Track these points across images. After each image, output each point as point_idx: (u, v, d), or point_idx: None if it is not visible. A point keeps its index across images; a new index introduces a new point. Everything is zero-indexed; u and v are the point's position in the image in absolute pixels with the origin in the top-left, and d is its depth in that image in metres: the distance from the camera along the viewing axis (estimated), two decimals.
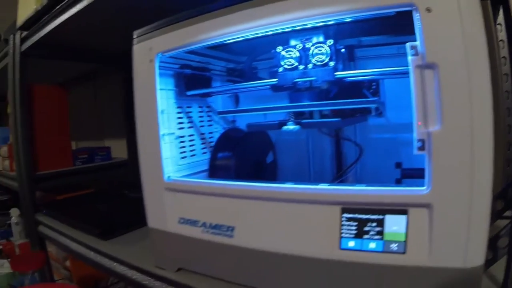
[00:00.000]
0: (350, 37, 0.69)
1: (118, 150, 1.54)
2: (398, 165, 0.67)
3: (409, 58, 0.43)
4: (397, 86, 0.68)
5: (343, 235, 0.48)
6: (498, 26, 0.77)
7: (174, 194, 0.64)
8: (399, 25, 0.60)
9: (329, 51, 0.59)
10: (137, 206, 1.02)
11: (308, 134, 0.75)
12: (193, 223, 0.61)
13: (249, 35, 0.55)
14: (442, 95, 0.40)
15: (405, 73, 0.54)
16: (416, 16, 0.42)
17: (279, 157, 0.80)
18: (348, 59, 0.70)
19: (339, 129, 0.72)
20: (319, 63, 0.59)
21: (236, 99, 0.85)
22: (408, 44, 0.43)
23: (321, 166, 0.77)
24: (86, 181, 1.41)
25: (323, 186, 0.51)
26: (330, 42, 0.59)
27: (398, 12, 0.45)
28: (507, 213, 0.53)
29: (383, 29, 0.66)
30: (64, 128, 1.33)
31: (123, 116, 1.49)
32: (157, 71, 0.64)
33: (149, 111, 0.65)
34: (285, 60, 0.61)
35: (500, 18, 0.76)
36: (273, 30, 0.54)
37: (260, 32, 0.54)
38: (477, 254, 0.41)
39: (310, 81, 0.60)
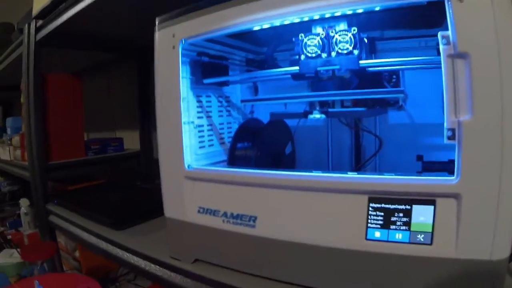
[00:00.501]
0: (373, 28, 0.68)
1: (130, 142, 1.54)
2: (419, 157, 0.66)
3: (441, 47, 0.43)
4: (416, 80, 0.68)
5: (369, 225, 0.47)
6: None
7: (194, 183, 0.63)
8: (425, 17, 0.59)
9: (353, 39, 0.57)
10: (150, 197, 1.03)
11: (327, 125, 0.73)
12: (214, 212, 0.60)
13: (274, 22, 0.54)
14: (474, 84, 0.40)
15: (430, 64, 0.55)
16: (448, 6, 0.42)
17: (298, 149, 0.79)
18: (370, 51, 0.69)
19: (359, 121, 0.71)
20: (343, 51, 0.58)
21: (255, 90, 0.84)
22: (440, 34, 0.43)
23: (340, 158, 0.76)
24: (98, 172, 1.41)
25: (351, 175, 0.50)
26: (354, 30, 0.57)
27: (429, 3, 0.45)
28: None
29: (407, 21, 0.64)
30: (78, 118, 1.32)
31: (136, 108, 1.48)
32: (179, 57, 0.63)
33: (171, 98, 0.64)
34: (308, 48, 0.60)
35: None
36: (298, 17, 0.53)
37: (284, 20, 0.53)
38: (503, 247, 0.40)
39: (333, 70, 0.59)
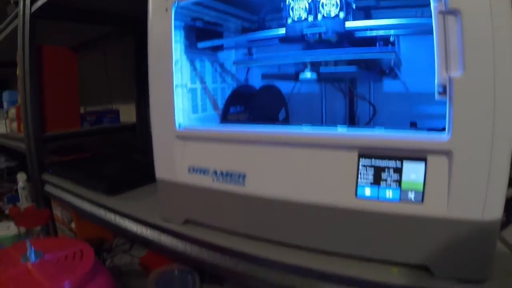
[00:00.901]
0: None
1: (127, 115, 1.53)
2: (413, 124, 0.65)
3: (432, 4, 0.42)
4: (412, 49, 0.67)
5: (359, 182, 0.47)
6: None
7: (185, 142, 0.62)
8: None
9: (339, 3, 0.57)
10: (144, 166, 1.02)
11: (321, 92, 0.73)
12: (203, 171, 0.59)
13: None
14: (465, 41, 0.39)
15: (422, 26, 0.53)
16: None
17: (292, 116, 0.78)
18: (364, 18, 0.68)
19: (353, 87, 0.70)
20: (329, 14, 0.57)
21: (249, 53, 0.82)
22: None
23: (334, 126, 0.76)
24: (94, 143, 1.41)
25: (340, 129, 0.50)
26: None
27: None
28: None
29: None
30: (73, 90, 1.31)
31: (133, 81, 1.47)
32: (172, 20, 0.62)
33: (163, 60, 0.63)
34: (295, 11, 0.59)
35: None
36: None
37: None
38: (495, 207, 0.40)
39: (320, 33, 0.58)
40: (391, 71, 0.66)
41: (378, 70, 0.66)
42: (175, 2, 0.62)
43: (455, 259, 0.42)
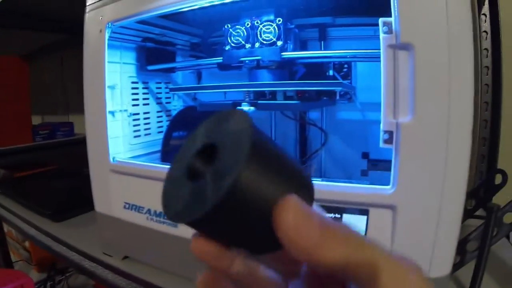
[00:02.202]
0: (323, 14, 0.64)
1: (84, 125, 1.47)
2: (365, 155, 0.63)
3: (381, 36, 0.38)
4: (371, 69, 0.64)
5: None
6: (482, 17, 0.73)
7: (120, 176, 0.59)
8: (374, 3, 0.55)
9: (277, 30, 0.54)
10: None
11: (272, 116, 0.70)
12: (138, 209, 0.56)
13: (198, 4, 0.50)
14: (417, 81, 0.35)
15: (372, 57, 0.51)
16: None
17: None
18: (320, 38, 0.65)
19: (304, 113, 0.68)
20: (266, 42, 0.55)
21: (199, 75, 0.79)
22: (380, 20, 0.38)
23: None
24: (47, 158, 1.35)
25: None
26: (280, 20, 0.55)
27: None
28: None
29: (357, 7, 0.60)
30: (24, 103, 1.26)
31: None
32: (106, 42, 0.58)
33: (96, 85, 0.60)
34: (233, 38, 0.57)
35: (486, 8, 0.72)
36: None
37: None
38: (443, 264, 0.37)
39: (257, 60, 0.56)
40: (345, 95, 0.64)
41: (330, 95, 0.63)
42: (108, 23, 0.58)
43: None
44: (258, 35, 0.55)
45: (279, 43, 0.54)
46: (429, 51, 0.35)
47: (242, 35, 0.56)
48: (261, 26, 0.55)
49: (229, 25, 0.57)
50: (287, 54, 0.54)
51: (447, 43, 0.34)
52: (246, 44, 0.56)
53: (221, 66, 0.60)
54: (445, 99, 0.34)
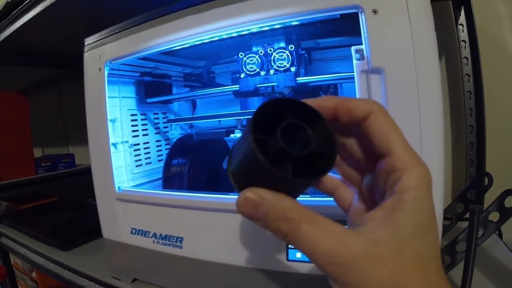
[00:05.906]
0: (310, 39, 0.68)
1: (84, 156, 1.51)
2: None
3: (354, 62, 0.41)
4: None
5: (290, 246, 0.48)
6: (460, 27, 0.78)
7: (126, 204, 0.63)
8: (349, 27, 0.60)
9: (290, 57, 0.58)
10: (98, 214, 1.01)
11: None
12: (144, 233, 0.60)
13: (190, 42, 0.55)
14: (389, 101, 0.39)
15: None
16: (362, 18, 0.40)
17: None
18: (307, 61, 0.70)
19: None
20: (280, 69, 0.59)
21: (193, 104, 0.84)
22: (353, 48, 0.42)
23: None
24: (50, 189, 1.38)
25: None
26: (292, 47, 0.58)
27: (342, 15, 0.43)
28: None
29: (337, 31, 0.65)
30: (25, 136, 1.29)
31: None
32: (105, 79, 0.63)
33: (98, 120, 0.64)
34: (248, 66, 0.61)
35: (462, 18, 0.77)
36: (217, 36, 0.52)
37: (203, 39, 0.54)
38: None
39: (272, 86, 0.60)
40: None
41: None
42: (107, 62, 0.63)
43: None
44: (272, 62, 0.59)
45: (293, 69, 0.58)
46: (398, 73, 0.38)
47: (256, 63, 0.60)
48: (274, 53, 0.59)
49: (242, 53, 0.61)
50: (302, 79, 0.58)
51: (414, 63, 0.37)
52: (261, 72, 0.60)
53: (237, 94, 0.63)
54: (416, 116, 0.38)
